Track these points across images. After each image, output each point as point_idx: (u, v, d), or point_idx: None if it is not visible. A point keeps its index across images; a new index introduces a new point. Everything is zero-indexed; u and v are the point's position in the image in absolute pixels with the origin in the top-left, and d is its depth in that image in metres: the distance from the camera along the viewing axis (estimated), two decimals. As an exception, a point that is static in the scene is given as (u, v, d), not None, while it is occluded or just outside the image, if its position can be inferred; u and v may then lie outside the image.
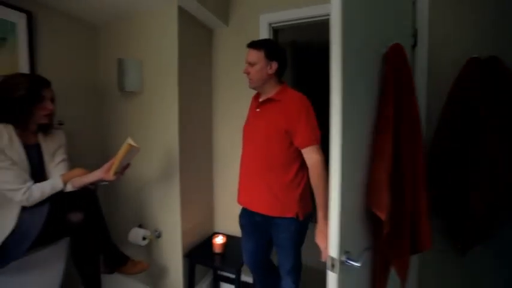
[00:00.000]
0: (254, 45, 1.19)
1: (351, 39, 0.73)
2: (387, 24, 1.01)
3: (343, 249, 0.73)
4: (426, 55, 1.32)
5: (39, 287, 1.24)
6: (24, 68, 1.40)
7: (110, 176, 1.15)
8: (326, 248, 0.96)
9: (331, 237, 0.72)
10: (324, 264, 0.78)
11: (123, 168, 1.23)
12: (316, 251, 1.08)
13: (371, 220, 0.93)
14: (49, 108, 1.14)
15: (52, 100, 1.16)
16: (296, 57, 3.01)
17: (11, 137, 1.06)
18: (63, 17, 1.61)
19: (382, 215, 0.84)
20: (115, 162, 1.16)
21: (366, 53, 0.86)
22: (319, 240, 1.07)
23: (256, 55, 1.17)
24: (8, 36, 1.34)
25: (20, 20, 1.38)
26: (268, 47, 1.18)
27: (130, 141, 1.16)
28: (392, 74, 0.91)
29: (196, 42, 1.72)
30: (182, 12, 1.55)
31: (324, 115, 1.20)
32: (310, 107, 1.15)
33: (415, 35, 1.33)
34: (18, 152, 1.07)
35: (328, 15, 1.53)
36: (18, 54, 1.38)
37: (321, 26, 1.70)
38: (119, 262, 1.33)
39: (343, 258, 0.72)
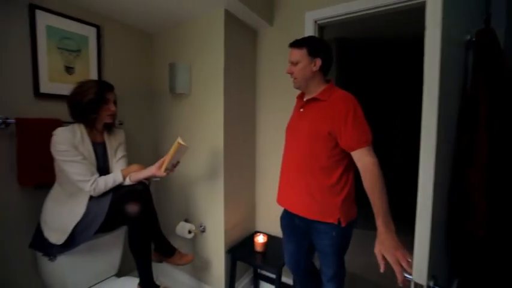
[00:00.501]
0: (296, 44, 1.17)
1: (445, 25, 0.63)
2: (464, 8, 0.88)
3: (430, 274, 0.62)
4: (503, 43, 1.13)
5: (101, 266, 1.42)
6: (93, 74, 1.61)
7: (162, 173, 1.25)
8: (395, 263, 0.81)
9: (416, 259, 0.62)
10: (372, 272, 0.70)
11: (173, 165, 1.32)
12: (361, 257, 1.00)
13: (457, 238, 0.81)
14: (112, 110, 1.28)
15: (114, 102, 1.30)
16: (341, 55, 2.87)
17: (83, 135, 1.22)
18: (124, 28, 1.80)
19: (479, 231, 0.73)
20: (166, 159, 1.25)
21: (452, 40, 0.75)
22: (378, 251, 0.90)
23: (298, 53, 1.15)
24: (82, 48, 1.55)
25: (91, 34, 1.58)
26: (311, 44, 1.14)
27: (180, 140, 1.24)
28: (483, 63, 0.79)
29: (241, 43, 1.75)
30: (228, 16, 1.60)
31: (371, 116, 1.11)
32: (358, 106, 1.07)
33: (487, 21, 1.14)
34: (88, 149, 1.22)
35: (376, 7, 1.44)
36: (89, 63, 1.59)
37: (368, 21, 1.60)
38: (168, 253, 1.43)
39: (431, 284, 0.62)
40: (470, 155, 0.78)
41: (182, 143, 1.24)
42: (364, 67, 3.66)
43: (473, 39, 0.82)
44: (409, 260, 0.78)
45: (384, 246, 0.88)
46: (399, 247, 0.86)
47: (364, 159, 1.03)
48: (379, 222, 0.95)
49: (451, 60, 0.70)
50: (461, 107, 0.82)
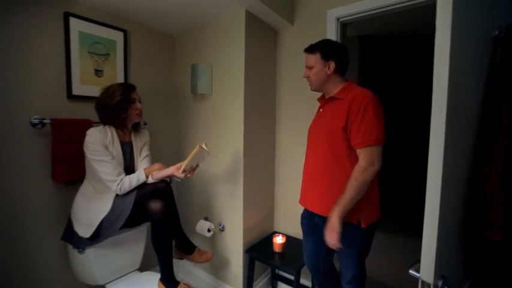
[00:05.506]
0: (309, 49, 1.19)
1: (459, 20, 0.60)
2: (491, 2, 0.83)
3: (439, 273, 0.61)
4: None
5: (125, 260, 1.49)
6: (120, 76, 1.68)
7: (180, 174, 1.28)
8: (327, 238, 1.03)
9: (423, 256, 0.61)
10: (393, 280, 0.68)
11: (192, 169, 1.33)
12: (384, 263, 0.97)
13: (474, 241, 0.78)
14: (139, 108, 1.33)
15: (139, 101, 1.35)
16: (364, 52, 2.79)
17: (113, 136, 1.28)
18: (148, 32, 1.86)
19: (495, 236, 0.69)
20: (185, 160, 1.28)
21: (473, 35, 0.72)
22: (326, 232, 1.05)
23: (312, 58, 1.17)
24: (111, 52, 1.63)
25: (118, 38, 1.66)
26: (323, 48, 1.15)
27: (203, 145, 1.27)
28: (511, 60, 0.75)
29: (262, 43, 1.75)
30: (249, 16, 1.61)
31: (390, 114, 1.07)
32: (373, 103, 1.04)
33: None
34: (117, 149, 1.29)
35: (399, 3, 1.39)
36: (117, 66, 1.67)
37: (392, 17, 1.55)
38: (188, 250, 1.47)
39: (440, 284, 0.61)
40: (489, 154, 0.74)
41: (204, 147, 1.27)
42: (388, 65, 3.52)
43: (502, 34, 0.77)
44: (332, 243, 1.02)
45: (330, 227, 1.03)
46: (327, 232, 1.04)
47: (358, 159, 1.05)
48: (335, 208, 1.03)
49: (467, 58, 0.67)
50: (485, 104, 0.79)
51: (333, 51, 1.15)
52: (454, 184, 0.69)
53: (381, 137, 1.03)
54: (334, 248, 1.04)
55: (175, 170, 1.28)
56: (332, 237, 1.01)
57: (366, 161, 1.02)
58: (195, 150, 1.25)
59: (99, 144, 1.21)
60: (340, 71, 1.17)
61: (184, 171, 1.28)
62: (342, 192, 1.03)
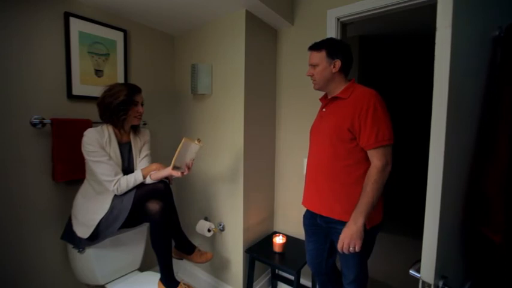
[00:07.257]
0: (314, 47, 1.18)
1: (460, 20, 0.60)
2: (493, 2, 0.83)
3: (440, 273, 0.61)
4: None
5: (125, 260, 1.49)
6: (120, 77, 1.68)
7: (177, 172, 1.26)
8: (345, 242, 1.02)
9: (424, 256, 0.61)
10: (395, 280, 0.68)
11: (187, 165, 1.31)
12: (385, 263, 0.97)
13: (474, 241, 0.78)
14: (140, 111, 1.33)
15: (142, 104, 1.35)
16: (365, 53, 2.79)
17: (110, 136, 1.27)
18: (148, 32, 1.86)
19: (495, 236, 0.69)
20: (174, 156, 1.25)
21: (473, 36, 0.72)
22: (340, 237, 1.05)
23: (317, 56, 1.15)
24: (111, 52, 1.63)
25: (118, 38, 1.66)
26: (329, 46, 1.14)
27: (195, 140, 1.26)
28: (510, 60, 0.75)
29: (262, 43, 1.75)
30: (249, 16, 1.61)
31: (391, 114, 1.08)
32: (379, 103, 1.04)
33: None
34: (114, 149, 1.28)
35: (401, 2, 1.38)
36: (117, 66, 1.67)
37: (393, 17, 1.55)
38: (187, 250, 1.47)
39: (440, 284, 0.61)
40: (489, 154, 0.75)
41: (196, 142, 1.26)
42: (389, 65, 3.53)
43: (502, 34, 0.77)
44: (351, 248, 1.02)
45: (344, 233, 1.04)
46: (348, 237, 1.02)
47: (372, 160, 1.04)
48: (352, 215, 1.03)
49: (467, 59, 0.67)
50: (485, 105, 0.79)
51: (339, 49, 1.15)
52: (454, 184, 0.69)
53: (392, 135, 1.04)
54: (346, 252, 1.04)
55: (172, 170, 1.26)
56: (357, 244, 1.01)
57: (381, 162, 1.02)
58: (180, 144, 1.23)
59: (96, 145, 1.20)
60: (345, 70, 1.16)
61: (177, 167, 1.26)
62: (361, 196, 1.03)
